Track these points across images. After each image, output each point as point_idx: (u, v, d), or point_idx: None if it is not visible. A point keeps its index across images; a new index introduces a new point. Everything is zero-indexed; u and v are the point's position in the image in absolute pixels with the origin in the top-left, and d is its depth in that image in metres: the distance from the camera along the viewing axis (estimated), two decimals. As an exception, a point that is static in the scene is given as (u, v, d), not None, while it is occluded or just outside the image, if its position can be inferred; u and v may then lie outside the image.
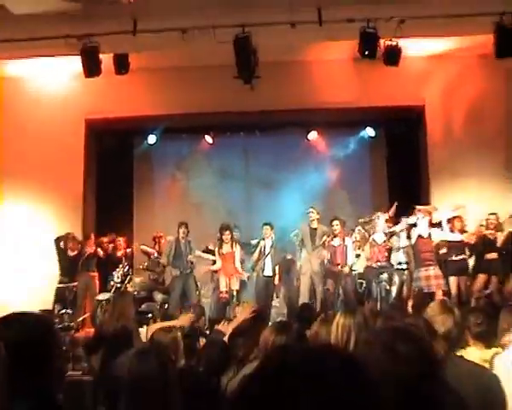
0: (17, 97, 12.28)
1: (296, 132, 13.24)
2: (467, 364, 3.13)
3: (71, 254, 11.23)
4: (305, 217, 11.26)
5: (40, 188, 11.96)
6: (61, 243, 11.24)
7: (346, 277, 10.77)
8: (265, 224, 11.37)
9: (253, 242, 11.58)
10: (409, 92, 12.16)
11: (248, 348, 4.35)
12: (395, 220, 10.88)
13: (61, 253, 11.22)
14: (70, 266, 11.19)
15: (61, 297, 10.94)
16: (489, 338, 3.89)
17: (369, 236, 10.91)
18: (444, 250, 10.73)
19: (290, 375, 1.11)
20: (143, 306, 11.21)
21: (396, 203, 11.05)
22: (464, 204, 10.80)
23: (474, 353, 3.62)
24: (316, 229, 11.07)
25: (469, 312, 4.01)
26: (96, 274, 11.42)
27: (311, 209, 11.15)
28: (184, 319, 6.19)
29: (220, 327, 5.82)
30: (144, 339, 5.49)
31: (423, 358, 1.95)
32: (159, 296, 11.42)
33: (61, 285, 11.04)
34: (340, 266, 10.78)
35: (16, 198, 12.06)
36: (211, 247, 11.64)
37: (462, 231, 10.63)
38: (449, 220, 10.65)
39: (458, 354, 3.31)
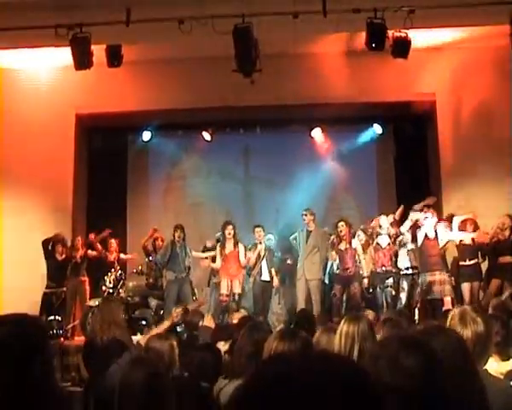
0: (5, 90, 12.19)
1: (299, 129, 13.20)
2: (486, 377, 3.08)
3: (59, 257, 11.16)
4: (294, 220, 11.27)
5: (27, 187, 11.89)
6: (49, 246, 11.16)
7: (354, 282, 10.71)
8: (257, 226, 11.34)
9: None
10: (418, 87, 12.10)
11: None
12: (400, 224, 10.83)
13: (49, 256, 11.15)
14: (58, 270, 11.11)
15: (47, 303, 10.85)
16: (505, 349, 3.84)
17: (373, 240, 10.86)
18: (455, 254, 10.69)
19: (282, 387, 1.08)
20: (137, 312, 11.18)
21: (402, 206, 10.98)
22: (473, 213, 10.74)
23: (491, 365, 3.56)
24: (311, 231, 11.01)
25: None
26: (86, 279, 11.36)
27: (303, 212, 11.08)
28: (174, 315, 6.26)
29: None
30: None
31: (429, 370, 1.90)
32: (153, 302, 11.38)
33: (47, 290, 10.97)
34: (348, 271, 10.72)
35: (3, 196, 12.01)
36: (208, 244, 11.60)
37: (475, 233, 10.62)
38: (461, 222, 10.61)
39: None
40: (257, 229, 11.25)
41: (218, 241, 11.46)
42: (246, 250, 11.21)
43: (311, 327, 5.82)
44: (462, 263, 10.55)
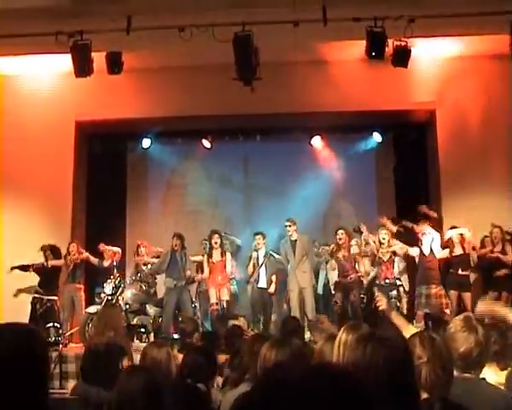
0: (5, 97, 12.21)
1: (299, 137, 13.18)
2: (486, 386, 3.09)
3: (48, 265, 11.20)
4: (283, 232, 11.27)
5: (27, 194, 11.89)
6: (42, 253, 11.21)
7: (354, 289, 10.72)
8: (256, 233, 11.35)
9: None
10: (418, 95, 12.11)
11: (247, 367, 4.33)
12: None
13: (38, 263, 11.20)
14: (46, 277, 11.16)
15: (31, 309, 10.92)
16: (503, 359, 3.83)
17: (375, 255, 10.86)
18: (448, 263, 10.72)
19: (282, 395, 1.09)
20: (136, 319, 11.17)
21: (384, 218, 10.98)
22: (464, 229, 10.75)
23: (489, 375, 3.56)
24: (296, 241, 11.00)
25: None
26: (81, 286, 11.38)
27: (288, 223, 11.06)
28: None
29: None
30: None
31: None
32: (152, 310, 11.38)
33: (35, 295, 11.04)
34: (349, 278, 10.74)
35: (2, 202, 12.01)
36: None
37: (463, 246, 10.63)
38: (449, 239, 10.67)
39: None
40: (257, 236, 11.26)
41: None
42: (232, 260, 11.26)
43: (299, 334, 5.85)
44: (452, 271, 10.56)
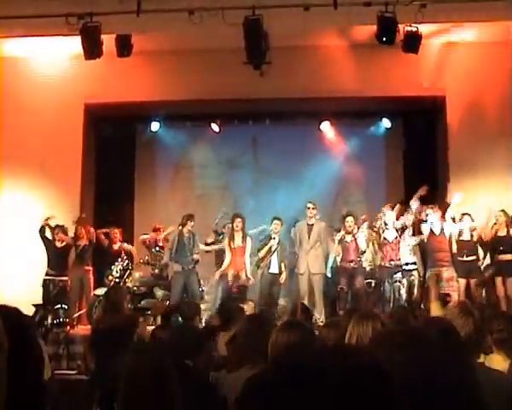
0: (14, 78, 12.18)
1: (308, 122, 13.16)
2: (486, 371, 3.09)
3: (59, 245, 11.19)
4: (302, 213, 11.21)
5: (37, 175, 11.92)
6: (46, 233, 11.15)
7: (358, 275, 10.70)
8: (275, 218, 11.19)
9: (259, 228, 11.49)
10: (428, 81, 12.06)
11: (250, 349, 4.34)
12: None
13: (48, 243, 11.17)
14: (58, 258, 11.11)
15: (45, 291, 10.88)
16: (510, 346, 3.82)
17: (379, 236, 10.83)
18: (454, 250, 10.67)
19: (297, 376, 1.08)
20: (143, 302, 11.22)
21: (398, 204, 10.97)
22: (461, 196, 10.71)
23: (497, 361, 3.56)
24: (312, 225, 10.96)
25: (492, 317, 3.94)
26: (90, 268, 11.37)
27: (310, 205, 11.00)
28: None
29: None
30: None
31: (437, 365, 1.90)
32: (159, 293, 11.40)
33: (46, 278, 10.99)
34: (353, 264, 10.71)
35: (13, 185, 12.04)
36: (208, 240, 11.67)
37: (473, 229, 10.59)
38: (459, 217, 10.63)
39: (481, 360, 3.27)
40: (275, 221, 11.12)
41: (217, 233, 11.51)
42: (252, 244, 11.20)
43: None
44: (459, 259, 10.51)
